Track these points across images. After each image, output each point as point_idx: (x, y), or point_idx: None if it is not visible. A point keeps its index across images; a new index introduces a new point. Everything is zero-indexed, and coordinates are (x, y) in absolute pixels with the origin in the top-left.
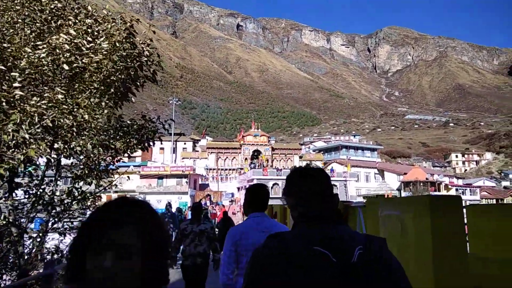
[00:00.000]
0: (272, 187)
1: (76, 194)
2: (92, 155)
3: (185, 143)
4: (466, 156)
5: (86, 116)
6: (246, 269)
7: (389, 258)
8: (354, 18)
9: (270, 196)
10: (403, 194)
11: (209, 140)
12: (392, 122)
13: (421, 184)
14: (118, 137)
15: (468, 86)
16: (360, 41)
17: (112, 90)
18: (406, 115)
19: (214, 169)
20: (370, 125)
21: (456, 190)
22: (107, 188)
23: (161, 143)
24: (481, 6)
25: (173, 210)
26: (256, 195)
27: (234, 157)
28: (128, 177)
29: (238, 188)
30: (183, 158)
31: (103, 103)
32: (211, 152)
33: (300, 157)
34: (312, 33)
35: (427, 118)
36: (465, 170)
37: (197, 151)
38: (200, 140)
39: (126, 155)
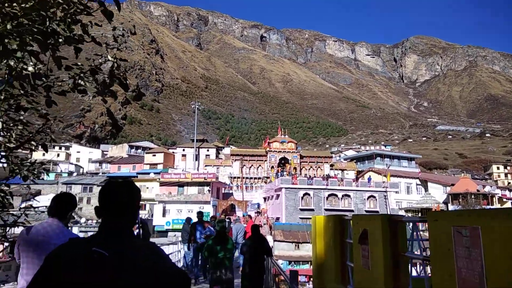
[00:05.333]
0: (302, 197)
1: None
2: None
3: (208, 150)
4: (508, 168)
5: None
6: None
7: (140, 259)
8: (379, 28)
9: (301, 207)
10: (451, 207)
11: (233, 148)
12: (423, 133)
13: (472, 196)
14: None
15: (501, 96)
16: (385, 51)
17: None
18: (437, 126)
19: (238, 177)
20: (399, 136)
21: None
22: None
23: (183, 150)
24: (511, 14)
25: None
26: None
27: (260, 165)
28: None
29: (265, 198)
30: (205, 165)
31: None
32: (235, 160)
33: (331, 166)
34: (336, 44)
35: (460, 129)
36: (508, 182)
37: (221, 158)
38: (223, 147)
39: None
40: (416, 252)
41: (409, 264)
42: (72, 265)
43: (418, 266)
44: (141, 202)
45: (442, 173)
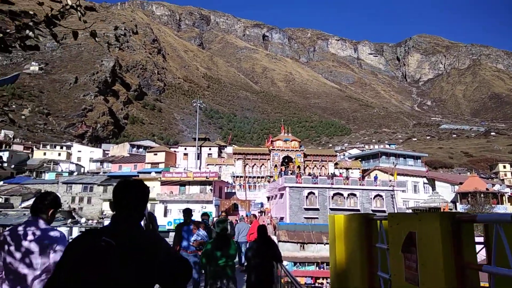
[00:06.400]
0: (307, 197)
1: None
2: None
3: (210, 149)
4: None
5: None
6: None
7: (146, 247)
8: (382, 26)
9: (306, 207)
10: (460, 207)
11: (236, 147)
12: (427, 132)
13: (482, 195)
14: None
15: (505, 95)
16: (388, 50)
17: None
18: (441, 124)
19: (241, 176)
20: (403, 135)
21: None
22: None
23: (185, 149)
24: None
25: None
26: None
27: (263, 164)
28: None
29: (268, 198)
30: (208, 164)
31: None
32: (238, 158)
33: (336, 165)
34: (338, 43)
35: (464, 128)
36: None
37: (223, 157)
38: (226, 146)
39: None
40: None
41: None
42: (85, 255)
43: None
44: None
45: (447, 171)
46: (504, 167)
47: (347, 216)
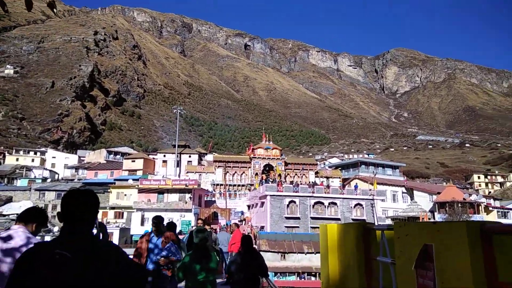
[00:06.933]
0: (288, 205)
1: None
2: None
3: (190, 156)
4: (489, 177)
5: None
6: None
7: (100, 256)
8: (361, 39)
9: (287, 215)
10: (438, 216)
11: (216, 155)
12: (404, 143)
13: (459, 205)
14: None
15: (478, 108)
16: (367, 62)
17: None
18: (417, 136)
19: (221, 184)
20: (380, 145)
21: (498, 212)
22: None
23: (164, 156)
24: (489, 29)
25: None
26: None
27: (244, 172)
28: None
29: (248, 206)
30: (187, 172)
31: None
32: (218, 166)
33: (316, 173)
34: (319, 54)
35: (439, 139)
36: (489, 192)
37: (203, 165)
38: (206, 154)
39: None
40: None
41: None
42: (39, 268)
43: None
44: (118, 210)
45: (424, 181)
46: (479, 177)
47: (342, 225)
